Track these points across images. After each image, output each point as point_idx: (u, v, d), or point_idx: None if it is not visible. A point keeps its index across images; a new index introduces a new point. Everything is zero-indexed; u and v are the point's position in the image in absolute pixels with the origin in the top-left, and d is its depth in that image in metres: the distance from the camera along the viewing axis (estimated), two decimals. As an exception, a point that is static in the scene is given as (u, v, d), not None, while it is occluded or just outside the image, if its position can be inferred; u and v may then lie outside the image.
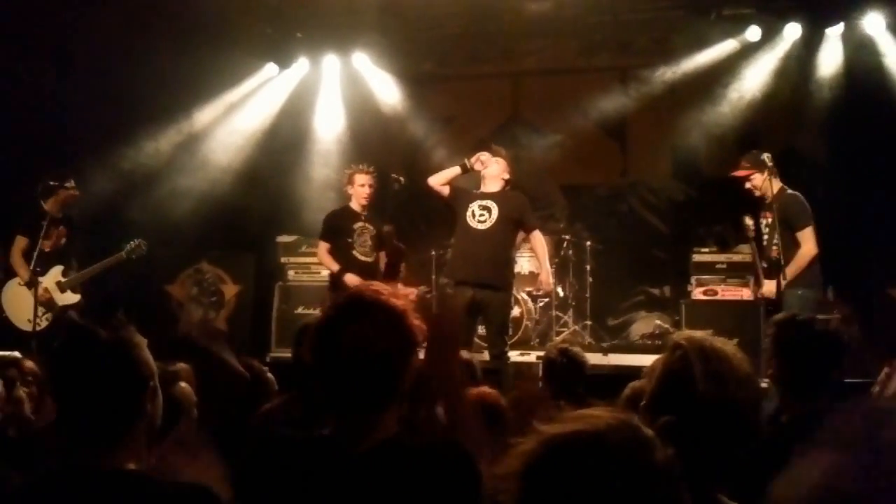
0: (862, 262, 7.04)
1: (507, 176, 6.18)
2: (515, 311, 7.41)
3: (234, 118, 8.51)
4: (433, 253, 7.85)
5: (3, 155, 6.70)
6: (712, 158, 8.50)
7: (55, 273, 6.42)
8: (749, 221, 6.04)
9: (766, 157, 5.69)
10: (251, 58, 8.61)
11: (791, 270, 5.66)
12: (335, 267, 6.33)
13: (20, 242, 6.33)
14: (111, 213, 7.19)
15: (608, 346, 7.46)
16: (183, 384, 2.66)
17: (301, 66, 8.83)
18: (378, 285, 1.92)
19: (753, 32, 7.92)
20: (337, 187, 7.14)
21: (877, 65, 7.51)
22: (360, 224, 6.48)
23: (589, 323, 7.71)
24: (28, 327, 6.12)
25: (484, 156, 6.17)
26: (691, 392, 1.64)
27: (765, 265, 5.98)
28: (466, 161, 6.16)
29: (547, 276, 6.39)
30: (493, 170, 6.12)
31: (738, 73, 7.99)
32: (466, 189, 6.27)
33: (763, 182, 5.88)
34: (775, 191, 5.87)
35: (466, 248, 6.11)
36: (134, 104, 7.42)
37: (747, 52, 7.98)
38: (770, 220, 5.92)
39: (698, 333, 1.80)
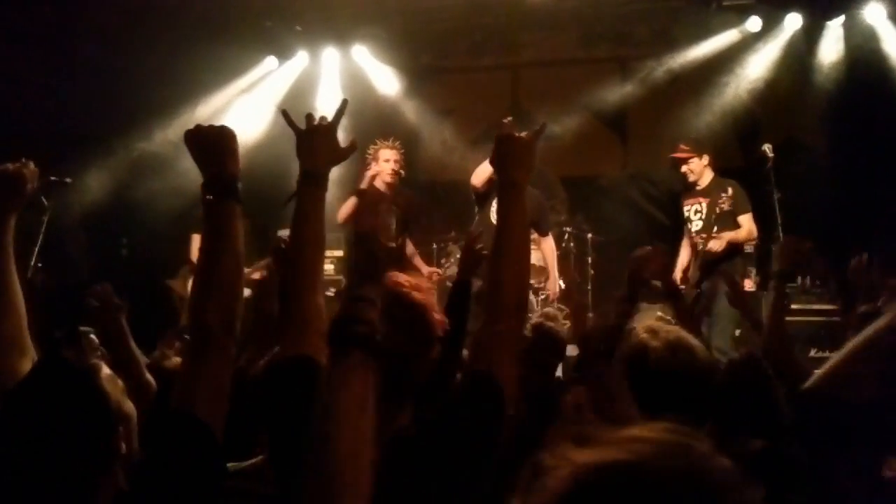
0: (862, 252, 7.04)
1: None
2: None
3: (235, 111, 8.49)
4: (434, 246, 7.85)
5: (2, 149, 6.68)
6: (713, 149, 8.50)
7: None
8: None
9: (766, 147, 5.80)
10: (251, 51, 8.61)
11: (733, 237, 5.97)
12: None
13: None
14: (112, 209, 7.17)
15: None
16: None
17: (301, 59, 8.82)
18: (398, 275, 1.86)
19: (754, 23, 7.93)
20: (343, 180, 7.10)
21: (878, 55, 7.51)
22: (384, 206, 6.27)
23: (591, 315, 7.70)
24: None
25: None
26: (647, 367, 1.70)
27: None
28: None
29: (554, 283, 6.40)
30: None
31: (739, 63, 8.00)
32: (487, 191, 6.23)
33: (699, 167, 6.16)
34: (710, 178, 6.16)
35: (483, 243, 6.09)
36: (134, 99, 7.41)
37: (748, 42, 7.98)
38: (702, 206, 6.17)
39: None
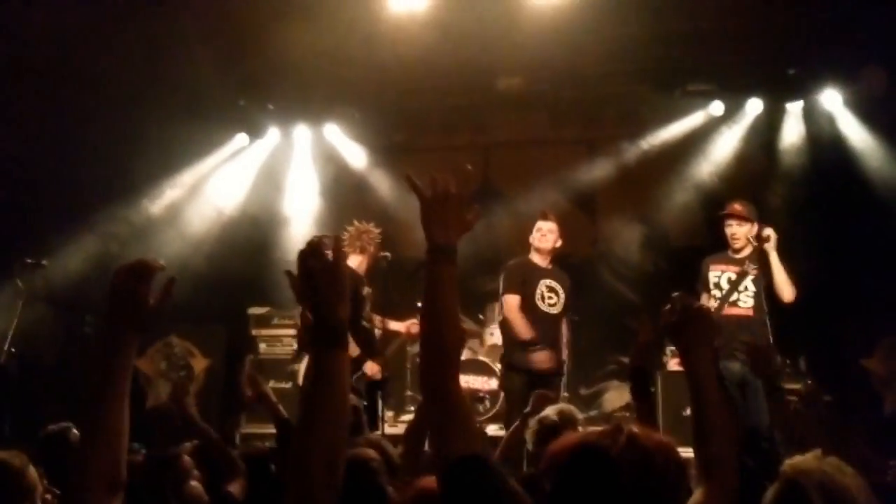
0: (832, 333, 7.14)
1: (559, 242, 6.15)
2: (493, 384, 7.37)
3: (205, 189, 8.48)
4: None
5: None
6: (679, 229, 8.68)
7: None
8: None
9: (768, 231, 5.60)
10: (222, 128, 8.62)
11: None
12: (356, 350, 5.67)
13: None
14: (79, 288, 7.02)
15: (584, 420, 7.39)
16: (194, 483, 2.56)
17: (272, 136, 8.85)
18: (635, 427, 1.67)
19: (717, 107, 8.19)
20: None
21: (837, 138, 7.79)
22: (367, 290, 6.04)
23: (566, 395, 7.66)
24: None
25: (544, 227, 6.11)
26: None
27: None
28: None
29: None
30: (549, 242, 6.10)
31: (704, 145, 8.26)
32: (522, 265, 6.18)
33: (748, 234, 5.75)
34: (749, 251, 5.75)
35: (539, 332, 5.99)
36: (104, 175, 7.34)
37: (712, 125, 8.24)
38: (734, 275, 5.79)
39: (812, 463, 1.71)
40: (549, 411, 3.97)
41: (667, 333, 2.03)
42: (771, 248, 5.58)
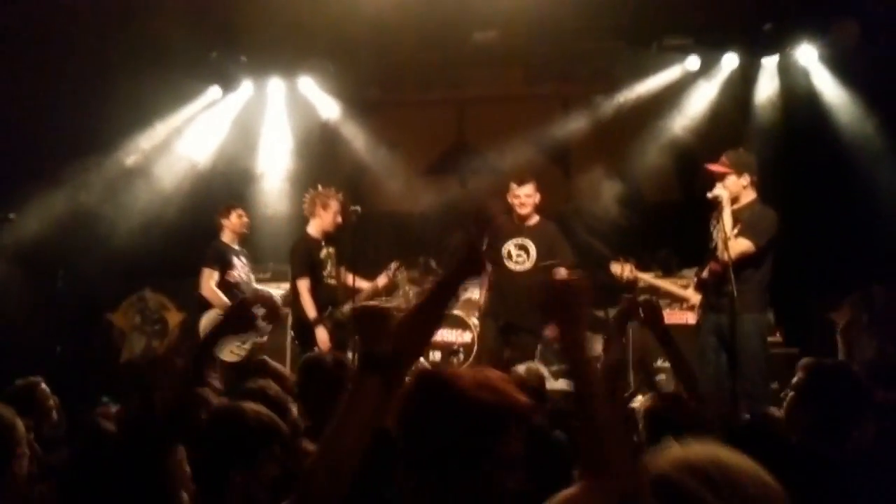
0: (801, 287, 7.24)
1: (538, 199, 6.36)
2: (467, 337, 7.44)
3: (178, 142, 8.38)
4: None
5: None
6: (653, 184, 8.72)
7: None
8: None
9: (720, 193, 5.41)
10: (194, 81, 8.51)
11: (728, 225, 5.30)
12: (313, 313, 6.20)
13: (211, 275, 6.47)
14: (49, 243, 6.95)
15: (557, 371, 7.50)
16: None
17: (245, 89, 8.74)
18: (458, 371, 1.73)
19: (693, 62, 8.17)
20: (290, 212, 7.11)
21: (811, 93, 7.81)
22: (325, 251, 6.49)
23: (539, 347, 7.74)
24: (232, 358, 6.25)
25: (522, 194, 6.27)
26: None
27: (704, 275, 5.67)
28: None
29: None
30: (528, 208, 6.29)
31: (679, 101, 8.23)
32: (493, 229, 6.39)
33: (737, 186, 5.50)
34: (747, 201, 5.56)
35: (504, 289, 6.30)
36: (75, 128, 7.24)
37: (688, 80, 8.22)
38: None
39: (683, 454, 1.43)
40: (518, 368, 4.30)
41: (541, 309, 2.03)
42: (724, 207, 5.39)
